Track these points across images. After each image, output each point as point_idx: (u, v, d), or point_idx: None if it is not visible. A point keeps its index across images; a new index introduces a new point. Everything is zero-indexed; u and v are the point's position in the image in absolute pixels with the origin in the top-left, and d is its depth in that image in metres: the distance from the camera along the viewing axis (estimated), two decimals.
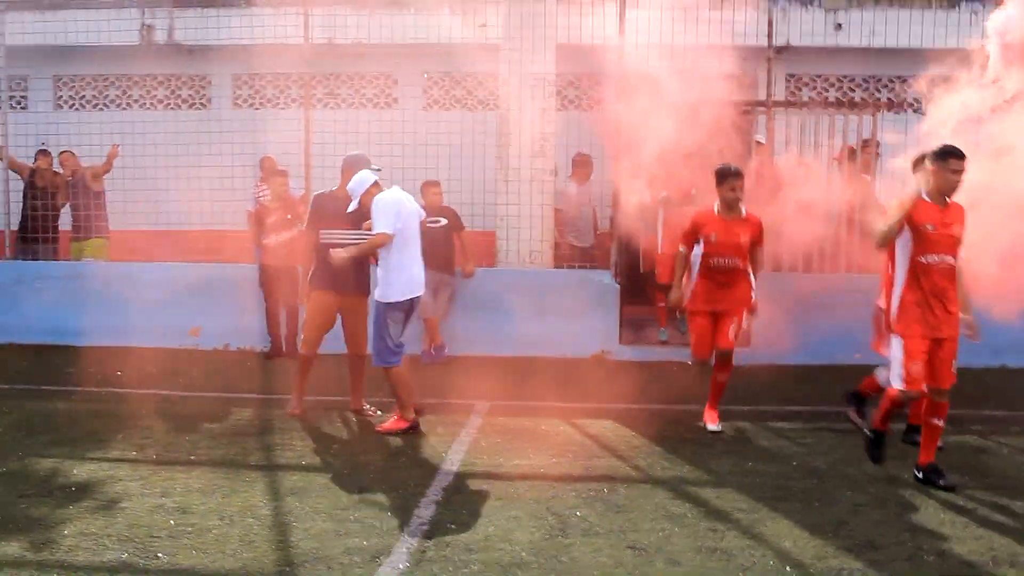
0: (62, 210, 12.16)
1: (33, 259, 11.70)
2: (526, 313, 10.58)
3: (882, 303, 6.81)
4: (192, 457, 6.96)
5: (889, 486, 6.41)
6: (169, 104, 14.60)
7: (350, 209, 7.63)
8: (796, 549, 5.34)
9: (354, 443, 7.47)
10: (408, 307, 7.66)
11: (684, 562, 5.16)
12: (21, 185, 12.01)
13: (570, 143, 11.85)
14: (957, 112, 7.41)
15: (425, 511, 5.87)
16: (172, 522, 5.63)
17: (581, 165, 11.94)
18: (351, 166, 7.87)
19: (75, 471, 6.55)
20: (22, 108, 14.47)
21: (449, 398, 8.62)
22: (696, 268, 7.85)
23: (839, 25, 13.09)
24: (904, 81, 12.68)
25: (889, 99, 13.38)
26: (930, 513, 5.91)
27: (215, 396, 8.86)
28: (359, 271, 8.04)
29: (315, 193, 8.56)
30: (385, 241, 7.46)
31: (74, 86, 14.73)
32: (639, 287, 11.21)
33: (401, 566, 5.06)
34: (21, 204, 11.98)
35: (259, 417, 8.13)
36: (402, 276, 7.56)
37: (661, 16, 10.09)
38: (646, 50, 10.15)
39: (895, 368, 6.39)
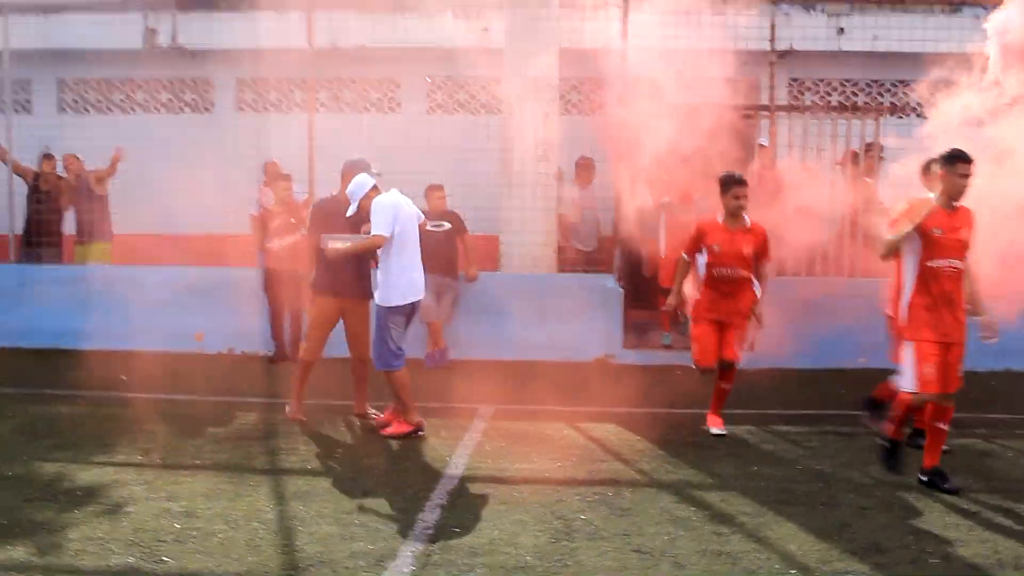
0: (66, 214, 12.18)
1: (37, 263, 11.71)
2: (529, 317, 10.59)
3: (891, 311, 6.80)
4: (197, 461, 6.97)
5: (893, 489, 6.41)
6: (172, 108, 14.62)
7: (349, 213, 7.65)
8: (801, 552, 5.34)
9: (358, 447, 7.48)
10: (409, 311, 7.67)
11: (689, 565, 5.16)
12: (25, 189, 12.02)
13: (573, 147, 11.87)
14: (959, 116, 7.43)
15: (430, 515, 5.88)
16: (178, 526, 5.64)
17: (584, 169, 11.96)
18: (351, 170, 7.89)
19: (80, 475, 6.56)
20: (26, 112, 14.47)
21: (453, 402, 8.62)
22: (701, 276, 7.82)
23: (841, 29, 13.10)
24: (907, 85, 12.70)
25: (892, 103, 13.41)
26: (935, 516, 5.91)
27: (219, 400, 8.86)
28: (360, 275, 8.05)
29: (316, 199, 8.58)
30: (380, 243, 7.47)
31: (78, 90, 14.74)
32: (642, 291, 11.22)
33: (406, 570, 5.06)
34: (25, 208, 11.99)
35: (264, 421, 8.14)
36: (402, 279, 7.57)
37: (664, 20, 10.10)
38: (649, 54, 10.16)
39: (908, 372, 6.36)
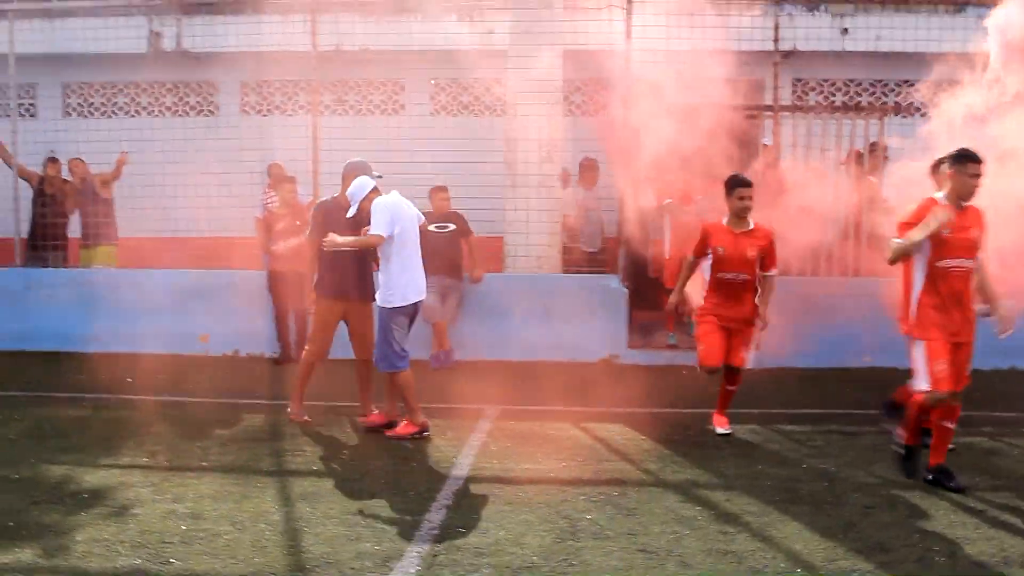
0: (71, 217, 12.21)
1: (42, 266, 11.73)
2: (534, 318, 10.60)
3: (900, 316, 6.74)
4: (203, 463, 6.98)
5: (899, 488, 6.40)
6: (177, 111, 14.65)
7: (349, 214, 7.67)
8: (806, 551, 5.34)
9: (364, 448, 7.49)
10: (411, 311, 7.69)
11: (695, 565, 5.17)
12: (30, 193, 12.05)
13: (577, 148, 11.88)
14: (962, 115, 7.42)
15: (435, 515, 5.89)
16: (184, 528, 5.65)
17: (588, 170, 11.97)
18: (351, 172, 7.91)
19: (86, 478, 6.57)
20: (31, 116, 14.53)
21: (458, 403, 8.62)
22: (706, 278, 7.79)
23: (845, 29, 13.10)
24: (911, 85, 12.69)
25: (896, 103, 13.40)
26: (940, 515, 5.91)
27: (225, 402, 8.88)
28: (362, 277, 8.06)
29: (318, 202, 8.61)
30: (378, 242, 7.49)
31: (83, 94, 14.78)
32: (647, 291, 11.22)
33: (412, 570, 5.07)
34: (30, 211, 12.03)
35: (269, 423, 8.15)
36: (403, 280, 7.58)
37: (667, 21, 10.11)
38: (652, 55, 10.17)
39: (920, 371, 6.32)
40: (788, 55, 12.04)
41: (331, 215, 7.95)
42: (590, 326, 10.60)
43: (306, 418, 8.10)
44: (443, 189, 10.79)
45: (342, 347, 8.17)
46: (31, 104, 14.65)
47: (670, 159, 9.39)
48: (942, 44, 10.45)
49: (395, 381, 7.66)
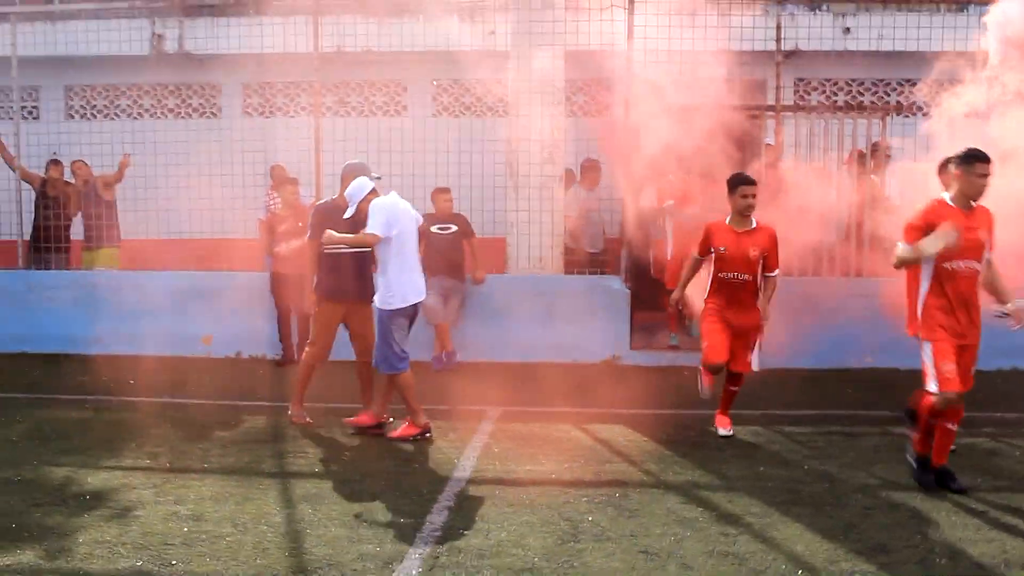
0: (74, 219, 12.22)
1: (45, 268, 11.75)
2: (536, 319, 10.60)
3: (906, 319, 6.69)
4: (205, 465, 6.99)
5: (900, 490, 6.40)
6: (180, 113, 14.67)
7: (347, 215, 7.67)
8: (808, 553, 5.34)
9: (366, 450, 7.49)
10: (411, 312, 7.69)
11: (696, 566, 5.17)
12: (33, 195, 12.07)
13: (579, 149, 11.88)
14: (963, 113, 7.40)
15: (437, 517, 5.89)
16: (186, 529, 5.66)
17: (590, 171, 11.96)
18: (350, 173, 7.92)
19: (88, 479, 6.58)
20: (34, 118, 14.55)
21: (460, 404, 8.62)
22: (709, 279, 7.78)
23: (847, 29, 13.09)
24: (913, 84, 12.68)
25: (898, 102, 13.39)
26: (942, 516, 5.90)
27: (227, 404, 8.89)
28: (361, 278, 8.06)
29: (316, 203, 8.62)
30: (373, 241, 7.49)
31: (85, 96, 14.80)
32: (649, 292, 11.21)
33: (414, 572, 5.08)
34: (33, 214, 12.04)
35: (271, 424, 8.16)
36: (402, 281, 7.58)
37: (669, 21, 10.11)
38: (654, 55, 10.17)
39: (928, 373, 6.26)
40: (790, 55, 12.04)
41: (329, 216, 7.95)
42: (592, 327, 10.59)
43: (307, 420, 8.11)
44: (445, 190, 10.80)
45: (343, 349, 8.18)
46: (34, 106, 14.68)
47: (672, 160, 9.39)
48: (944, 43, 10.47)
49: (395, 383, 7.67)
